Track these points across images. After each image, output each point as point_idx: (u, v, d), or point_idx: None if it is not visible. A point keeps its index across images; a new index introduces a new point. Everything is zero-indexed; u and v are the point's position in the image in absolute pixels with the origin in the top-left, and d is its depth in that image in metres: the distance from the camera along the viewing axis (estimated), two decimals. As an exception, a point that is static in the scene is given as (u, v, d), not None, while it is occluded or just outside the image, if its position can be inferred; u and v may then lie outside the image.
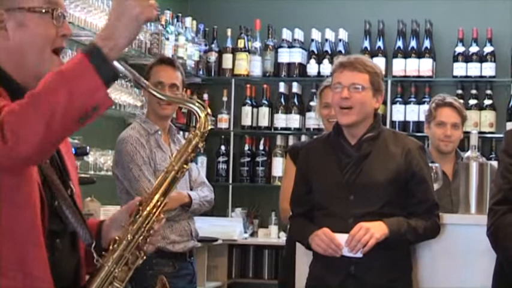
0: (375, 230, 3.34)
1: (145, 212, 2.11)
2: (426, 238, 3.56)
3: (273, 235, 6.83)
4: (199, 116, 2.15)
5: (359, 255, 3.35)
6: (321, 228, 3.42)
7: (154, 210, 2.12)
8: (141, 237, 2.10)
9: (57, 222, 2.03)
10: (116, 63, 1.99)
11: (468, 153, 3.79)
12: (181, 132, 6.48)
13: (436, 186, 3.75)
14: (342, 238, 3.38)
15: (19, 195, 1.93)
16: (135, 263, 2.11)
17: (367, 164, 3.47)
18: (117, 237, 2.10)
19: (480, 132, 6.27)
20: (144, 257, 2.12)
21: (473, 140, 3.81)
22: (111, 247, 2.09)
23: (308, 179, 3.57)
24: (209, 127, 2.17)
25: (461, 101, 6.46)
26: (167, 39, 6.13)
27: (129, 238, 2.09)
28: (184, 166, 2.15)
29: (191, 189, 4.27)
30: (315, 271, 3.55)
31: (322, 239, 3.40)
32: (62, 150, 2.15)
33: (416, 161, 3.49)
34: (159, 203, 2.13)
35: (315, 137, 4.34)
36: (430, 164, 3.72)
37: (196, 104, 2.17)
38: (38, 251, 1.95)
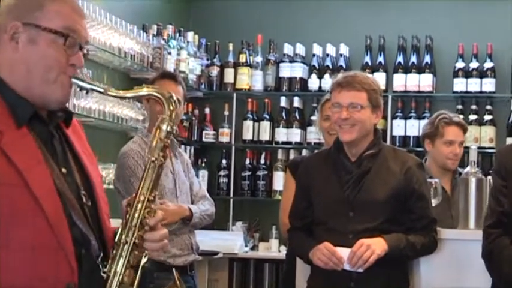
0: (376, 247, 3.37)
1: (132, 211, 2.10)
2: (424, 254, 3.59)
3: (273, 249, 6.84)
4: (163, 101, 2.16)
5: (360, 270, 3.38)
6: (322, 243, 3.44)
7: (141, 206, 2.10)
8: (136, 236, 2.08)
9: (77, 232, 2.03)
10: (73, 79, 2.05)
11: (467, 169, 3.81)
12: (182, 146, 6.51)
13: (435, 201, 3.79)
14: (343, 252, 3.41)
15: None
16: (140, 263, 2.09)
17: (367, 180, 3.49)
18: (115, 243, 2.09)
19: (480, 148, 6.28)
20: (147, 255, 2.10)
21: (473, 156, 3.84)
22: (111, 254, 2.09)
23: (308, 193, 3.60)
24: (176, 108, 2.16)
25: (462, 116, 6.55)
26: (169, 53, 6.16)
27: (123, 240, 2.08)
28: (161, 154, 2.13)
29: (192, 203, 4.29)
30: (313, 285, 3.57)
31: (323, 252, 3.42)
32: (86, 162, 2.15)
33: (416, 178, 3.52)
34: (143, 198, 2.10)
35: (315, 151, 4.37)
36: (429, 180, 3.76)
37: (159, 91, 2.18)
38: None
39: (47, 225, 1.96)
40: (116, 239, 2.09)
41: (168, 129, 2.16)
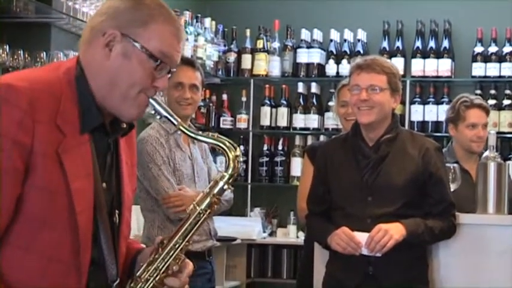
0: (394, 232, 3.37)
1: (164, 253, 2.06)
2: (442, 238, 3.58)
3: (291, 235, 6.85)
4: (228, 157, 2.09)
5: (378, 254, 3.38)
6: (340, 227, 3.44)
7: (172, 251, 2.06)
8: (157, 278, 2.05)
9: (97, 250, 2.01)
10: (151, 100, 2.01)
11: (486, 153, 3.80)
12: (200, 132, 6.50)
13: (454, 186, 3.77)
14: (361, 236, 3.41)
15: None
16: None
17: (385, 165, 3.49)
18: (136, 277, 2.06)
19: (499, 133, 6.24)
20: None
21: (492, 140, 3.82)
22: (127, 286, 2.06)
23: (326, 179, 3.60)
24: (238, 170, 2.10)
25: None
26: (187, 39, 6.16)
27: (145, 277, 2.05)
28: (208, 210, 2.08)
29: (210, 189, 4.28)
30: (332, 270, 3.58)
31: (341, 237, 3.42)
32: (125, 179, 2.11)
33: (434, 161, 3.51)
34: (177, 245, 2.06)
35: (333, 137, 4.36)
36: (448, 165, 3.74)
37: (227, 145, 2.11)
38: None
39: (72, 240, 1.93)
40: (138, 273, 2.07)
41: (224, 188, 2.10)
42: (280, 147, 7.04)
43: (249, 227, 6.53)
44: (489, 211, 3.72)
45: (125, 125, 2.08)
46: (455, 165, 3.89)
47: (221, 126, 7.07)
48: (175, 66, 2.06)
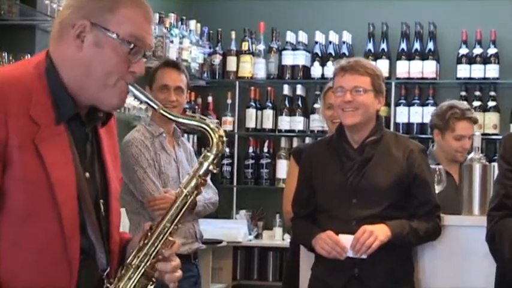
0: (379, 233, 3.37)
1: (153, 238, 2.05)
2: (427, 240, 3.58)
3: (277, 237, 6.84)
4: (212, 138, 2.08)
5: (363, 256, 3.38)
6: (325, 231, 3.44)
7: (161, 236, 2.05)
8: (148, 264, 2.04)
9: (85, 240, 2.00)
10: (130, 86, 2.01)
11: (471, 155, 3.80)
12: (185, 135, 6.50)
13: (439, 188, 3.77)
14: (345, 239, 3.40)
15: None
16: None
17: (369, 167, 3.48)
18: (126, 263, 2.05)
19: (484, 134, 6.27)
20: (153, 284, 2.05)
21: (477, 142, 3.83)
22: (118, 274, 2.05)
23: (311, 181, 3.59)
24: (222, 150, 2.09)
25: (465, 102, 6.52)
26: (172, 42, 6.15)
27: (135, 264, 2.04)
28: (195, 192, 2.08)
29: (196, 191, 4.27)
30: (318, 273, 3.57)
31: (326, 241, 3.42)
32: (109, 168, 2.10)
33: (418, 163, 3.51)
34: (166, 229, 2.05)
35: (318, 139, 4.36)
36: (433, 166, 3.74)
37: (211, 126, 2.10)
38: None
39: (59, 231, 1.92)
40: (129, 260, 2.05)
41: (209, 168, 2.09)
42: (265, 149, 7.04)
43: (235, 229, 6.52)
44: (474, 212, 3.73)
45: (101, 114, 2.08)
46: (440, 167, 3.90)
47: (206, 128, 7.03)
48: (149, 49, 2.05)
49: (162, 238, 2.05)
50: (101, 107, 2.04)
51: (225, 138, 2.11)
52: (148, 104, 2.08)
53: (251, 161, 7.03)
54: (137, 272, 2.04)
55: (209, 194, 4.30)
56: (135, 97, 2.07)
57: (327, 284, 3.49)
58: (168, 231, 2.06)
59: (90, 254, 2.00)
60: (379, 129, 3.56)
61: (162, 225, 2.06)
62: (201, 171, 2.08)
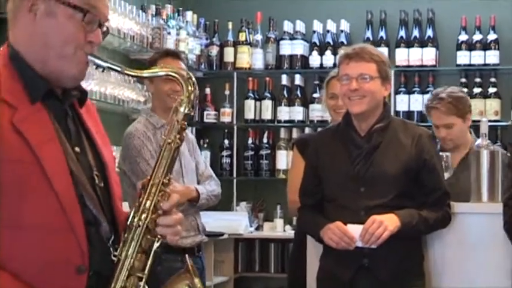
0: (388, 223, 3.31)
1: (146, 194, 2.04)
2: (437, 228, 3.53)
3: (278, 228, 6.79)
4: (181, 81, 2.09)
5: (373, 246, 3.32)
6: (334, 222, 3.38)
7: (155, 189, 2.04)
8: (148, 220, 2.02)
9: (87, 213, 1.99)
10: (90, 57, 2.01)
11: (478, 141, 3.75)
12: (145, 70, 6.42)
13: (446, 175, 3.73)
14: (354, 230, 3.34)
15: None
16: (152, 247, 2.03)
17: (377, 155, 3.43)
18: (127, 226, 2.03)
19: (485, 121, 6.21)
20: (159, 240, 2.03)
21: (484, 128, 3.76)
22: (122, 237, 2.03)
23: (318, 170, 3.54)
24: (193, 90, 2.09)
25: (465, 89, 6.46)
26: (169, 33, 6.09)
27: (136, 223, 2.02)
28: (178, 136, 2.08)
29: (198, 183, 4.24)
30: (326, 264, 3.52)
31: (335, 232, 3.36)
32: (99, 142, 2.10)
33: (427, 149, 3.46)
34: (157, 181, 2.04)
35: (319, 129, 4.30)
36: (440, 153, 3.69)
37: (175, 70, 2.12)
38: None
39: (58, 206, 1.91)
40: (129, 222, 2.03)
41: (186, 111, 2.10)
42: (265, 140, 6.98)
43: (236, 221, 6.48)
44: (483, 199, 3.68)
45: (75, 92, 2.07)
46: (447, 154, 3.84)
47: (205, 120, 7.00)
48: (105, 19, 2.05)
49: (156, 191, 2.04)
50: (64, 80, 2.03)
51: (193, 79, 2.12)
52: (111, 69, 2.10)
53: (250, 153, 6.98)
54: (138, 231, 2.02)
55: (212, 186, 4.27)
56: (97, 65, 2.07)
57: (336, 275, 3.44)
58: (161, 183, 2.05)
59: (96, 226, 1.99)
60: (387, 116, 3.50)
61: (153, 179, 2.05)
62: (180, 117, 2.09)
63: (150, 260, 2.03)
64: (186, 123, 2.10)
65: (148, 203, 2.03)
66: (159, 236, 2.03)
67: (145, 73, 2.16)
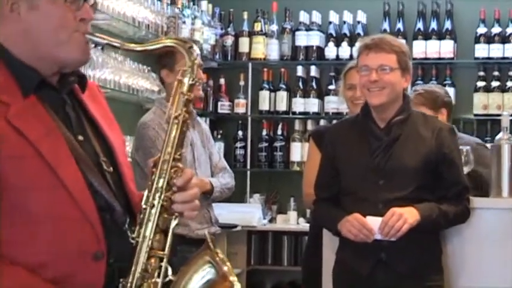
0: (408, 216, 3.26)
1: (158, 171, 1.96)
2: (457, 223, 3.48)
3: (292, 221, 6.74)
4: (184, 52, 2.02)
5: (392, 238, 3.27)
6: (351, 214, 3.33)
7: (166, 166, 1.96)
8: (164, 198, 1.95)
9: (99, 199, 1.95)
10: (87, 36, 1.97)
11: (499, 135, 3.69)
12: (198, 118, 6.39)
13: (466, 169, 3.66)
14: (373, 222, 3.29)
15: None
16: (170, 226, 1.96)
17: (397, 147, 3.37)
18: (142, 207, 1.97)
19: (503, 115, 6.14)
20: (177, 218, 1.96)
21: (505, 122, 3.72)
22: (138, 219, 1.97)
23: (335, 162, 3.48)
24: (197, 59, 2.03)
25: (483, 83, 6.39)
26: (184, 22, 6.02)
27: (150, 203, 1.95)
28: (184, 109, 2.00)
29: (212, 175, 4.19)
30: (343, 258, 3.47)
31: (353, 224, 3.30)
32: (104, 127, 2.06)
33: (448, 142, 3.40)
34: (168, 157, 1.97)
35: (334, 121, 4.24)
36: (460, 147, 3.63)
37: (174, 41, 2.04)
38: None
39: (67, 196, 1.88)
40: (143, 203, 1.97)
41: (190, 82, 2.02)
42: (279, 132, 6.91)
43: (249, 213, 6.43)
44: (503, 195, 3.62)
45: (72, 78, 2.03)
46: (467, 147, 3.77)
47: (219, 111, 6.95)
48: None
49: (168, 167, 1.96)
50: (68, 67, 1.99)
51: (195, 47, 2.04)
52: (110, 45, 2.04)
53: (264, 144, 6.92)
54: (154, 211, 1.95)
55: (226, 179, 4.23)
56: (96, 43, 2.02)
57: (353, 269, 3.38)
58: (172, 158, 1.97)
59: (110, 211, 1.95)
60: (407, 108, 3.44)
61: (164, 155, 1.98)
62: (184, 88, 2.01)
63: (169, 239, 1.96)
64: (192, 94, 2.03)
65: (161, 181, 1.96)
66: (176, 214, 1.97)
67: (148, 46, 2.07)
